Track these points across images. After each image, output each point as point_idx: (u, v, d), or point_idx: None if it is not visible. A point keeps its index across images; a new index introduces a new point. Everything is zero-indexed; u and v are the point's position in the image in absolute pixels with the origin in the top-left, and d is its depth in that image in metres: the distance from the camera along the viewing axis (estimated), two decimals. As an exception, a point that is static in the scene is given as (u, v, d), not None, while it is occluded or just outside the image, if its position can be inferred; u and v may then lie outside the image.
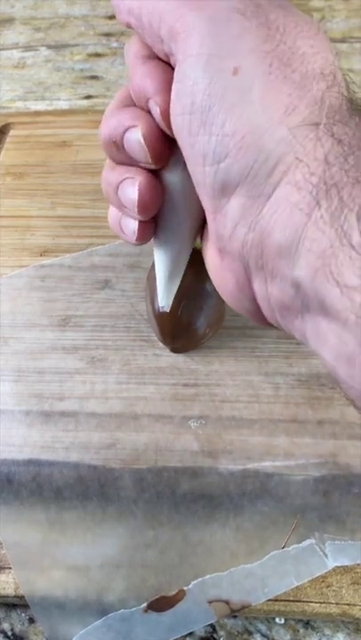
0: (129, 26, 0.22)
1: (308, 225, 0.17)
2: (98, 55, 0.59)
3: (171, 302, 0.27)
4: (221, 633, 0.28)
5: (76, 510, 0.30)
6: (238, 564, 0.28)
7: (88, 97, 0.55)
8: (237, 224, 0.20)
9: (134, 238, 0.24)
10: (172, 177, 0.23)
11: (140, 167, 0.23)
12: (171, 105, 0.20)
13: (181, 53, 0.19)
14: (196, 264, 0.28)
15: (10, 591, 0.28)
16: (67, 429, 0.32)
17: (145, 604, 0.27)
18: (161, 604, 0.27)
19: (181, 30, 0.19)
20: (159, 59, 0.21)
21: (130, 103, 0.23)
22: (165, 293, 0.26)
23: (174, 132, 0.21)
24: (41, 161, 0.47)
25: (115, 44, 0.60)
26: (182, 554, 0.28)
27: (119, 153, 0.23)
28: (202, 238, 0.24)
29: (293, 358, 0.35)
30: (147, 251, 0.40)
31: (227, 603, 0.27)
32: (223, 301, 0.34)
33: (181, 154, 0.21)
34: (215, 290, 0.32)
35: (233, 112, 0.18)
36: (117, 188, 0.23)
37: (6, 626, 0.29)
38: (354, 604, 0.27)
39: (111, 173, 0.23)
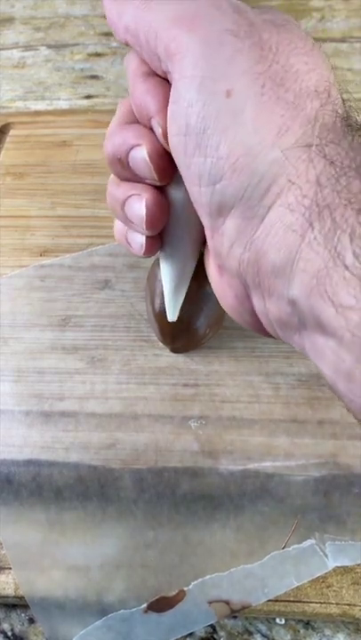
0: (127, 44, 0.22)
1: (301, 246, 0.17)
2: (98, 55, 0.59)
3: (178, 313, 0.28)
4: (222, 633, 0.28)
5: (76, 510, 0.30)
6: (238, 565, 0.28)
7: (88, 97, 0.55)
8: (233, 244, 0.20)
9: (142, 252, 0.24)
10: (177, 192, 0.23)
11: (146, 184, 0.23)
12: (167, 125, 0.20)
13: (177, 73, 0.19)
14: (196, 267, 0.28)
15: (10, 591, 0.28)
16: (67, 429, 0.32)
17: (145, 605, 0.27)
18: (161, 605, 0.27)
19: (176, 51, 0.19)
20: (158, 75, 0.21)
21: (132, 119, 0.23)
22: (173, 303, 0.27)
23: (172, 152, 0.21)
24: (41, 161, 0.47)
25: (115, 44, 0.60)
26: (182, 554, 0.28)
27: (124, 170, 0.23)
28: (204, 251, 0.25)
29: (294, 358, 0.35)
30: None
31: (227, 603, 0.27)
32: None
33: None
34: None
35: (227, 134, 0.18)
36: (124, 204, 0.23)
37: (6, 626, 0.29)
38: (354, 605, 0.27)
39: (117, 190, 0.24)
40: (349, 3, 0.62)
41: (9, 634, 0.28)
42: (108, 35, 0.61)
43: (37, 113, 0.52)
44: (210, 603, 0.27)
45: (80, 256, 0.40)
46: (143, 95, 0.21)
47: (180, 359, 0.35)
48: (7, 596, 0.28)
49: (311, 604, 0.27)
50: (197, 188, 0.20)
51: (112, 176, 0.24)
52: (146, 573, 0.28)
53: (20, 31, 0.62)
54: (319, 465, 0.31)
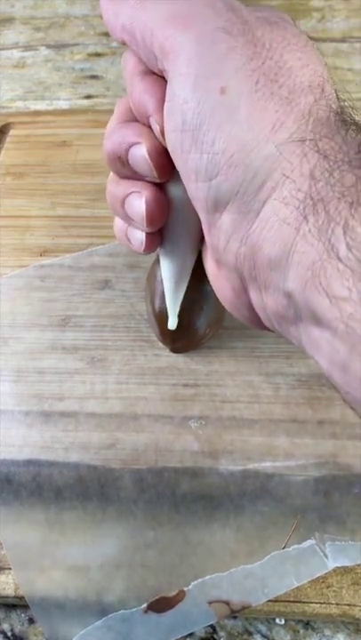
0: (124, 43, 0.22)
1: (296, 239, 0.17)
2: (98, 55, 0.59)
3: (178, 310, 0.28)
4: (222, 634, 0.28)
5: (76, 510, 0.30)
6: (238, 565, 0.28)
7: (88, 97, 0.55)
8: (230, 238, 0.20)
9: (142, 249, 0.25)
10: (176, 190, 0.23)
11: (146, 181, 0.23)
12: (164, 122, 0.20)
13: (172, 71, 0.20)
14: (196, 265, 0.28)
15: (10, 591, 0.28)
16: (66, 430, 0.32)
17: (145, 605, 0.27)
18: (161, 605, 0.27)
19: (170, 50, 0.19)
20: (155, 74, 0.21)
21: (131, 117, 0.23)
22: (173, 299, 0.28)
23: (169, 149, 0.21)
24: (41, 161, 0.47)
25: (115, 44, 0.60)
26: (182, 554, 0.28)
27: (124, 168, 0.23)
28: (202, 247, 0.25)
29: (294, 358, 0.35)
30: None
31: (227, 603, 0.27)
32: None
33: None
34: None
35: (222, 130, 0.19)
36: (124, 201, 0.24)
37: (6, 626, 0.29)
38: (354, 605, 0.27)
39: (117, 188, 0.24)
40: (349, 3, 0.62)
41: (9, 634, 0.28)
42: (108, 35, 0.60)
43: (37, 113, 0.52)
44: (210, 603, 0.27)
45: (80, 256, 0.40)
46: (141, 94, 0.21)
47: (180, 359, 0.35)
48: (7, 596, 0.28)
49: (311, 605, 0.27)
50: (194, 183, 0.20)
51: (111, 174, 0.24)
52: (146, 573, 0.28)
53: (20, 31, 0.62)
54: (319, 465, 0.30)
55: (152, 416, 0.33)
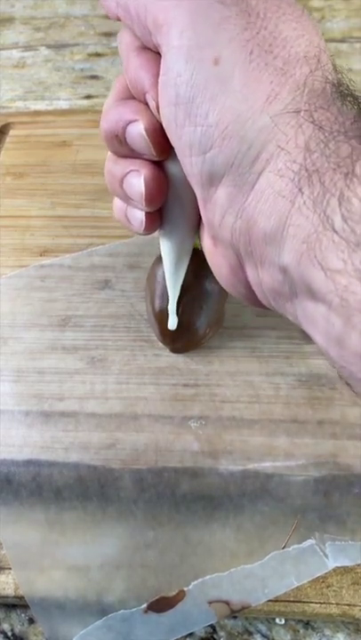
0: (119, 19, 0.22)
1: (291, 211, 0.17)
2: (98, 55, 0.59)
3: (178, 293, 0.29)
4: (222, 633, 0.28)
5: (76, 510, 0.30)
6: (238, 565, 0.28)
7: (88, 97, 0.55)
8: (225, 213, 0.20)
9: (142, 229, 0.24)
10: (174, 167, 0.23)
11: (144, 159, 0.23)
12: (159, 97, 0.20)
13: (165, 45, 0.19)
14: (195, 264, 0.28)
15: (10, 591, 0.28)
16: (66, 430, 0.32)
17: (145, 605, 0.27)
18: (161, 605, 0.27)
19: (164, 22, 0.19)
20: (151, 50, 0.21)
21: (128, 95, 0.23)
22: (173, 281, 0.28)
23: (163, 124, 0.21)
24: (41, 161, 0.47)
25: (115, 44, 0.60)
26: (182, 554, 0.28)
27: (122, 146, 0.23)
28: (199, 231, 0.25)
29: (293, 358, 0.35)
30: (147, 251, 0.40)
31: (227, 603, 0.27)
32: (223, 301, 0.34)
33: None
34: (215, 290, 0.33)
35: (216, 102, 0.18)
36: (122, 180, 0.23)
37: (6, 626, 0.29)
38: (354, 605, 0.27)
39: (114, 166, 0.24)
40: (349, 3, 0.62)
41: (9, 634, 0.28)
42: (108, 35, 0.61)
43: (37, 113, 0.52)
44: (210, 603, 0.27)
45: (80, 256, 0.40)
46: (137, 70, 0.21)
47: (180, 359, 0.35)
48: (7, 596, 0.28)
49: (311, 604, 0.27)
50: (188, 158, 0.20)
51: (109, 153, 0.24)
52: (146, 573, 0.28)
53: (20, 31, 0.62)
54: (319, 465, 0.30)
55: (152, 416, 0.33)
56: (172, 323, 0.31)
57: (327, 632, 0.28)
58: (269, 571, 0.28)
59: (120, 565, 0.28)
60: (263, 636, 0.28)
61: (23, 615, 0.29)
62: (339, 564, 0.28)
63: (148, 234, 0.25)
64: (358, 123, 0.17)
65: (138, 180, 0.23)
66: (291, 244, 0.17)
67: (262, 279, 0.20)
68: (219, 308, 0.34)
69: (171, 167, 0.23)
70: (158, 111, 0.21)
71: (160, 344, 0.35)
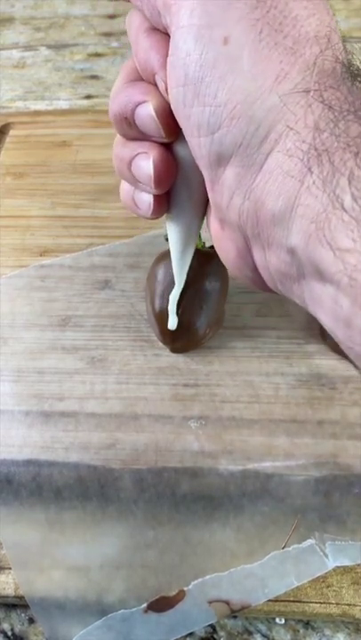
0: (128, 0, 0.21)
1: (300, 191, 0.17)
2: (98, 55, 0.59)
3: (183, 283, 0.29)
4: (222, 633, 0.28)
5: (76, 510, 0.30)
6: (238, 565, 0.28)
7: (88, 97, 0.55)
8: (233, 194, 0.20)
9: (150, 212, 0.24)
10: (182, 150, 0.23)
11: (153, 141, 0.23)
12: (167, 78, 0.20)
13: (174, 24, 0.19)
14: (196, 264, 0.28)
15: (10, 591, 0.28)
16: (66, 430, 0.32)
17: (145, 605, 0.27)
18: (161, 605, 0.27)
19: (173, 2, 0.19)
20: (160, 31, 0.21)
21: (137, 77, 0.23)
22: (180, 267, 0.27)
23: (172, 105, 0.21)
24: (41, 161, 0.47)
25: (115, 44, 0.60)
26: (182, 554, 0.28)
27: (130, 129, 0.22)
28: (207, 214, 0.24)
29: (293, 358, 0.35)
30: (147, 251, 0.40)
31: (227, 603, 0.27)
32: (223, 301, 0.34)
33: None
34: (215, 290, 0.33)
35: (225, 82, 0.18)
36: (130, 163, 0.23)
37: (6, 626, 0.29)
38: (354, 605, 0.27)
39: (123, 149, 0.23)
40: (349, 3, 0.62)
41: (9, 634, 0.28)
42: (108, 35, 0.61)
43: (37, 113, 0.52)
44: (210, 603, 0.27)
45: (80, 256, 0.40)
46: (146, 51, 0.21)
47: (180, 359, 0.35)
48: (7, 596, 0.28)
49: (311, 604, 0.27)
50: (197, 139, 0.20)
51: (118, 137, 0.24)
52: (146, 573, 0.28)
53: (20, 31, 0.62)
54: (319, 465, 0.30)
55: (152, 416, 0.33)
56: (172, 323, 0.31)
57: (327, 632, 0.28)
58: (269, 570, 0.28)
59: (120, 565, 0.28)
60: (263, 635, 0.28)
61: (23, 615, 0.29)
62: (339, 564, 0.28)
63: (156, 218, 0.25)
64: None
65: (147, 162, 0.22)
66: (299, 224, 0.17)
67: (270, 261, 0.20)
68: (219, 308, 0.34)
69: (179, 150, 0.23)
70: (167, 92, 0.20)
71: (160, 344, 0.35)
